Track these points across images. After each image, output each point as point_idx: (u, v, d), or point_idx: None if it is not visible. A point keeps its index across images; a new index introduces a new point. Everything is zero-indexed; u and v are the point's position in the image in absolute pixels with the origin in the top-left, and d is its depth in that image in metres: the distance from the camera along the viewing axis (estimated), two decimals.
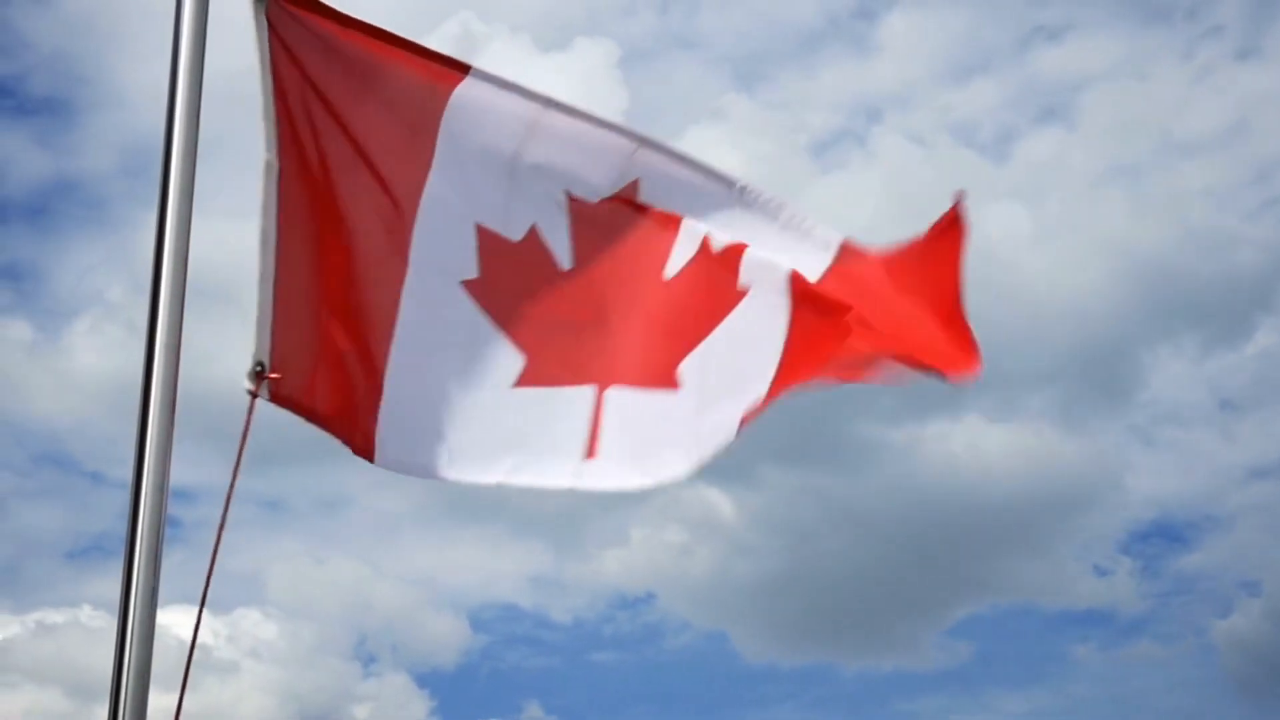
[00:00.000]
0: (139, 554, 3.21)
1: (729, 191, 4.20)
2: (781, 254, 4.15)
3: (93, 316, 24.58)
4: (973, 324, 3.94)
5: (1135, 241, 25.38)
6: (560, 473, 4.12)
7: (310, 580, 24.00)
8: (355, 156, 4.06)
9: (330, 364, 4.00)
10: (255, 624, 22.13)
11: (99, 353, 23.15)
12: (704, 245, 4.17)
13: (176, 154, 3.52)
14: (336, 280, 4.04)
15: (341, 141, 4.04)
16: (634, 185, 4.17)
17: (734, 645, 23.62)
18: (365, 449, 4.05)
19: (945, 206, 4.03)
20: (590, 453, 4.16)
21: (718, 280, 4.18)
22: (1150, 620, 23.78)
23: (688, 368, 4.20)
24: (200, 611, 3.44)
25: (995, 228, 25.36)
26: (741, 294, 4.16)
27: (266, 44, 3.88)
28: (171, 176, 3.51)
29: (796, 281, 4.09)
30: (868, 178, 26.01)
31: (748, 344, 4.15)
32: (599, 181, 4.16)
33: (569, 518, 24.28)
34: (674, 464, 4.12)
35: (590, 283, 4.22)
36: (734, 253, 4.16)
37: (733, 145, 25.33)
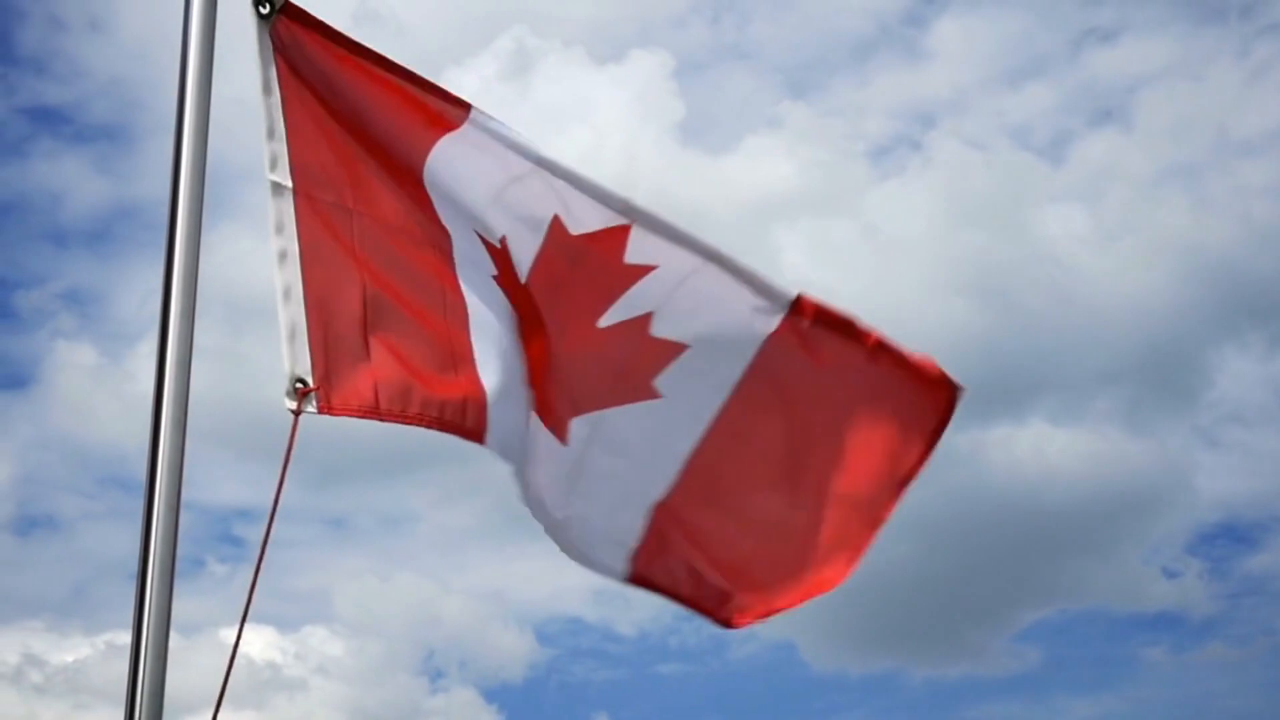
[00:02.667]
0: (151, 572, 3.16)
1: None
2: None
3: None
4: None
5: (1197, 241, 25.05)
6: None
7: (377, 597, 24.10)
8: (372, 167, 4.01)
9: (398, 362, 3.94)
10: (323, 641, 22.27)
11: None
12: (645, 320, 4.04)
13: (185, 166, 3.49)
14: (388, 282, 3.99)
15: (356, 152, 4.00)
16: (624, 230, 4.00)
17: (801, 654, 23.43)
18: (476, 431, 4.03)
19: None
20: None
21: (642, 357, 4.06)
22: (1220, 622, 23.43)
23: (578, 428, 4.12)
24: (241, 628, 3.37)
25: (1055, 230, 25.16)
26: (655, 393, 4.06)
27: (271, 64, 3.83)
28: (181, 188, 3.48)
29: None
30: (926, 183, 25.85)
31: (649, 442, 4.09)
32: (587, 219, 4.00)
33: None
34: (544, 514, 4.19)
35: (534, 301, 4.09)
36: (669, 349, 4.04)
37: (789, 154, 25.29)
